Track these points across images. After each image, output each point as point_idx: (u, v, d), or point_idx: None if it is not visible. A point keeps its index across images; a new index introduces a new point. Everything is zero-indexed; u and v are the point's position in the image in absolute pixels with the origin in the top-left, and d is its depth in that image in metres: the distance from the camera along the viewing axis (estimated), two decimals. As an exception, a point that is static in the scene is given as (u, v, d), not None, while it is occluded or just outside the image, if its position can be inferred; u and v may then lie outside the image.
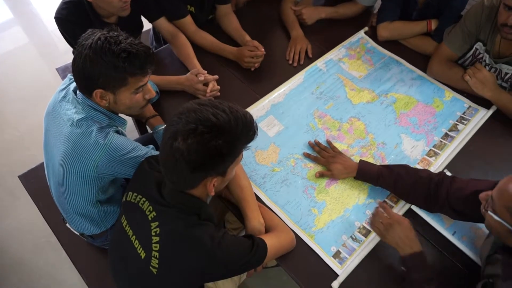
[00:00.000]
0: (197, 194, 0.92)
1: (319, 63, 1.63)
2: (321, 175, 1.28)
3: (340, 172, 1.26)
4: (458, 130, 1.43)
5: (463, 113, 1.48)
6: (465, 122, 1.45)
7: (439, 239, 1.18)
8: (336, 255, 1.14)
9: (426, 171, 1.18)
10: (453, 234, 1.17)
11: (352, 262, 1.12)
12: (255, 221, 1.09)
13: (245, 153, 1.33)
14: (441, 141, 1.40)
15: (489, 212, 0.89)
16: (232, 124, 0.83)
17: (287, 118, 1.45)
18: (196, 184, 0.89)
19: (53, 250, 1.92)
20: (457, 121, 1.46)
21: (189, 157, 0.81)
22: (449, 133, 1.42)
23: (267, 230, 1.09)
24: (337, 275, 1.10)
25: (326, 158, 1.29)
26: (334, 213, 1.21)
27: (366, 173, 1.23)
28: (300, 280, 1.10)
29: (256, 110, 1.46)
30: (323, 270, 1.11)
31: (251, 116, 0.89)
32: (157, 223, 0.91)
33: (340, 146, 1.37)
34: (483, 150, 1.38)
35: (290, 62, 1.62)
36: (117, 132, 1.12)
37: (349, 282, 1.09)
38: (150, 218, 0.93)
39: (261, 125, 1.42)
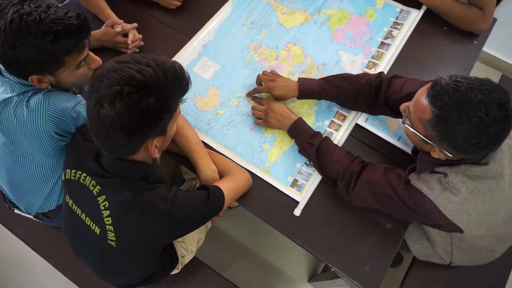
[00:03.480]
0: (140, 159, 0.87)
1: (245, -11, 1.52)
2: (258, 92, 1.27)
3: (281, 93, 1.21)
4: (393, 37, 1.42)
5: (396, 18, 1.46)
6: (399, 27, 1.45)
7: (387, 147, 1.22)
8: (294, 183, 1.16)
9: (365, 76, 1.17)
10: (398, 140, 1.22)
11: (310, 187, 1.15)
12: (207, 169, 1.07)
13: (184, 102, 1.28)
14: (378, 50, 1.40)
15: (405, 124, 0.93)
16: (160, 78, 0.76)
17: (222, 56, 1.37)
18: (136, 149, 0.83)
19: (13, 240, 1.84)
20: (391, 27, 1.45)
21: (121, 123, 0.75)
22: (384, 41, 1.42)
23: (221, 175, 1.08)
24: (298, 202, 1.13)
25: (266, 83, 1.24)
26: (285, 144, 1.22)
27: (308, 90, 1.20)
28: (263, 216, 1.12)
29: (186, 54, 1.36)
30: (284, 200, 1.14)
31: (180, 66, 0.82)
32: (103, 196, 0.87)
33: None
34: (418, 52, 1.40)
35: (214, -6, 1.49)
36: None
37: (310, 206, 1.13)
38: (95, 193, 0.87)
39: (196, 70, 1.33)
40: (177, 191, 0.90)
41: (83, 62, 0.95)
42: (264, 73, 1.28)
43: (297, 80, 1.21)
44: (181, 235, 0.96)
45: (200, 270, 1.38)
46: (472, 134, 0.80)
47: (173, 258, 1.17)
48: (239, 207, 1.72)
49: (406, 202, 0.94)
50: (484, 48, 2.21)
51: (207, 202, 0.92)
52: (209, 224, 1.36)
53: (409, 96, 0.92)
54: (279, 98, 1.23)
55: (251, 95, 1.29)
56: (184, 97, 0.83)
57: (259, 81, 1.27)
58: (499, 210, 0.92)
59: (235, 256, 1.85)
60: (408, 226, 1.12)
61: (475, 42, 1.41)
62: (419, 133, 0.90)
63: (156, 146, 0.84)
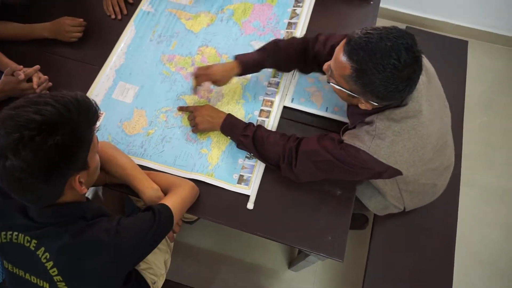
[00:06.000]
0: (69, 199, 0.83)
1: (144, 6, 1.49)
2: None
3: (219, 77, 1.18)
4: (298, 15, 1.47)
5: (296, -3, 1.52)
6: (301, 4, 1.50)
7: (318, 120, 1.27)
8: (240, 179, 1.17)
9: (294, 40, 1.21)
10: (326, 110, 1.27)
11: (256, 178, 1.17)
12: (149, 190, 1.04)
13: (113, 130, 1.24)
14: (287, 31, 1.44)
15: (330, 83, 0.97)
16: (63, 113, 0.73)
17: (138, 76, 1.34)
18: (60, 191, 0.80)
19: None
20: (293, 6, 1.49)
21: (32, 170, 0.71)
22: (291, 21, 1.46)
23: (165, 192, 1.06)
24: (248, 196, 1.14)
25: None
26: (222, 144, 1.22)
27: (249, 64, 1.20)
28: (219, 219, 1.12)
29: (101, 83, 1.32)
30: (235, 199, 1.14)
31: (83, 95, 0.79)
32: (42, 249, 0.82)
33: (201, 79, 1.33)
34: (324, 24, 1.46)
35: (113, 16, 1.46)
36: None
37: (261, 197, 1.15)
38: (33, 248, 0.83)
39: (115, 96, 1.30)
40: (120, 219, 0.87)
41: None
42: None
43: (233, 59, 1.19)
44: (138, 261, 0.93)
45: (181, 291, 1.36)
46: (389, 81, 0.86)
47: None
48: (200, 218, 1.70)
49: (344, 161, 0.99)
50: (386, 6, 2.36)
51: (154, 222, 0.90)
52: (171, 243, 1.33)
53: (333, 49, 0.96)
54: (219, 81, 1.20)
55: (180, 109, 1.27)
56: (97, 125, 0.81)
57: (196, 81, 1.22)
58: (425, 145, 0.99)
59: (213, 267, 1.83)
60: (356, 188, 1.17)
61: (372, 2, 1.50)
62: (344, 88, 0.94)
63: (81, 182, 0.81)
